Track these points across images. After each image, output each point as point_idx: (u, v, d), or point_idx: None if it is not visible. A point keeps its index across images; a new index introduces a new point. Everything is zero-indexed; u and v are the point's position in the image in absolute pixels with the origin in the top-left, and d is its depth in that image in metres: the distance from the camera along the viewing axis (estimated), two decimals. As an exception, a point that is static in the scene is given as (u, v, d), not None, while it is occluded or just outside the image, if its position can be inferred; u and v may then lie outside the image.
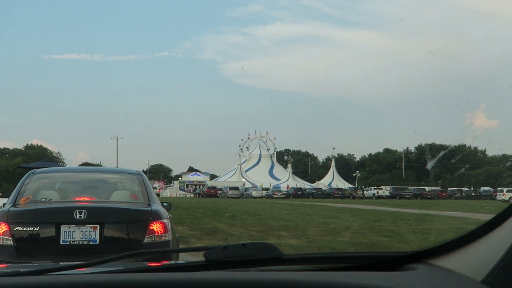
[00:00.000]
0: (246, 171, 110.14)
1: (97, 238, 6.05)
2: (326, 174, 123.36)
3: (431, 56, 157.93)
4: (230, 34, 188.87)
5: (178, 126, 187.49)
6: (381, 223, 21.75)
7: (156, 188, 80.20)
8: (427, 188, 72.86)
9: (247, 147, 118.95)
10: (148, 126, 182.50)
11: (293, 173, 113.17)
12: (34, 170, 7.51)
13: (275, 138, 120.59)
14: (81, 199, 7.01)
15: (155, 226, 6.22)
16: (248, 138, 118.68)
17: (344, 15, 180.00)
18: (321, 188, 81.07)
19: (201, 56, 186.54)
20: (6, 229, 5.93)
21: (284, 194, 71.69)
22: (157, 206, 6.67)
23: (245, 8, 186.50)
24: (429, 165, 65.70)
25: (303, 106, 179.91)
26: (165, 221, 6.37)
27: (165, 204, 7.30)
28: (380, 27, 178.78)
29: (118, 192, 7.34)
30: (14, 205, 6.42)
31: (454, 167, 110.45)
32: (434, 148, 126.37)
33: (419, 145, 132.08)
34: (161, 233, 6.23)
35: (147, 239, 6.15)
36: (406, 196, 68.82)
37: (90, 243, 6.02)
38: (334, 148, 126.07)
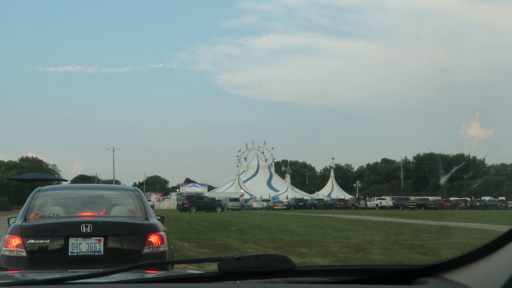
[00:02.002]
0: (244, 182, 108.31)
1: (102, 249, 6.56)
2: (324, 184, 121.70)
3: (426, 65, 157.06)
4: (225, 46, 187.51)
5: (174, 137, 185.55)
6: (404, 236, 19.82)
7: (150, 200, 77.41)
8: (430, 198, 71.00)
9: (244, 158, 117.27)
10: (144, 137, 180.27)
11: (291, 183, 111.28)
12: (40, 187, 8.03)
13: (272, 148, 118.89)
14: (85, 214, 7.52)
15: (153, 238, 6.75)
16: (246, 148, 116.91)
17: (338, 26, 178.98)
18: (322, 199, 78.96)
19: (196, 67, 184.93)
20: (19, 242, 6.45)
21: (285, 205, 69.58)
22: (154, 220, 7.18)
23: (239, 19, 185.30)
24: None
25: (300, 117, 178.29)
26: (162, 233, 6.93)
27: (158, 217, 7.61)
28: (375, 37, 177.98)
29: (118, 207, 7.90)
30: (25, 220, 6.90)
31: (454, 176, 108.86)
32: (432, 158, 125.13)
33: (417, 154, 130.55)
34: (158, 245, 6.76)
35: (146, 250, 6.64)
36: (410, 206, 66.99)
37: (95, 254, 6.53)
38: (333, 158, 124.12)
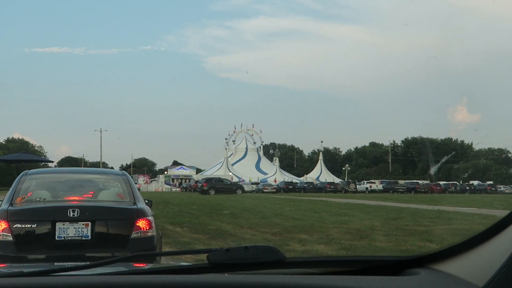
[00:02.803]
0: (233, 164, 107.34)
1: (89, 234, 6.49)
2: (312, 167, 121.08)
3: (415, 50, 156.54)
4: (213, 28, 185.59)
5: (162, 120, 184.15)
6: (404, 221, 19.06)
7: (136, 183, 75.83)
8: (420, 182, 70.70)
9: (233, 141, 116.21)
10: (131, 120, 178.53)
11: (279, 166, 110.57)
12: (27, 171, 7.90)
13: (261, 131, 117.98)
14: (73, 198, 7.42)
15: (141, 223, 6.67)
16: (234, 131, 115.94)
17: (327, 9, 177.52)
18: (312, 182, 78.25)
19: (185, 50, 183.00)
20: (6, 226, 6.35)
21: (274, 188, 68.77)
22: (142, 205, 7.09)
23: (228, 1, 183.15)
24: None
25: (288, 100, 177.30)
26: (150, 218, 6.83)
27: (146, 201, 7.51)
28: (364, 21, 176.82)
29: (105, 191, 7.80)
30: (11, 204, 6.81)
31: (439, 160, 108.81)
32: (420, 142, 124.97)
33: (405, 138, 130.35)
34: (146, 229, 6.67)
35: (134, 235, 6.57)
36: (400, 190, 66.72)
37: (83, 238, 6.45)
38: (322, 142, 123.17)
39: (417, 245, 12.31)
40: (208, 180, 56.91)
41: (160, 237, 7.37)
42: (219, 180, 58.30)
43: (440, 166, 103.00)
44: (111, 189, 7.97)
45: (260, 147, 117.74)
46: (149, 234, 6.70)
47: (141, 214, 6.79)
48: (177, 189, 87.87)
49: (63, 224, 6.44)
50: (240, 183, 61.62)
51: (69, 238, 6.43)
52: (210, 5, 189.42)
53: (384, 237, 14.20)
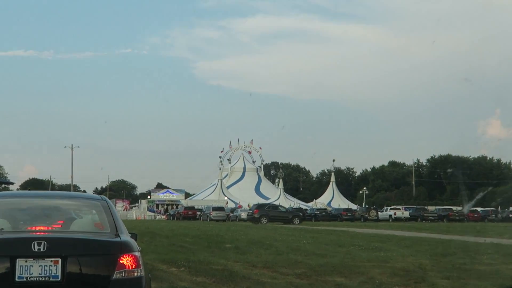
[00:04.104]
0: (228, 187, 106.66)
1: (59, 274, 6.19)
2: (322, 191, 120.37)
3: (440, 55, 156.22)
4: (204, 28, 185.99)
5: (144, 135, 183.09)
6: (457, 258, 17.65)
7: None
8: (453, 208, 69.66)
9: (228, 159, 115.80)
10: (107, 135, 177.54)
11: (283, 190, 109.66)
12: None
13: (260, 148, 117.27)
14: (38, 228, 7.14)
15: (125, 260, 6.38)
16: (230, 148, 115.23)
17: (336, 7, 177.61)
18: (325, 209, 77.30)
19: (170, 53, 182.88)
20: None
21: (280, 216, 67.67)
22: (126, 237, 6.84)
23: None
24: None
25: (292, 112, 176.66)
26: (136, 254, 6.54)
27: (130, 234, 7.22)
28: (380, 21, 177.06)
29: (80, 220, 7.55)
30: None
31: (474, 182, 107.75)
32: (450, 161, 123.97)
33: (431, 157, 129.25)
34: (132, 268, 6.39)
35: (116, 275, 6.29)
36: (430, 218, 65.79)
37: (51, 279, 6.17)
38: (333, 161, 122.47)
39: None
40: (260, 207, 57.28)
41: (149, 279, 7.03)
42: (273, 206, 58.83)
43: (473, 187, 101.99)
44: (86, 217, 7.66)
45: (260, 166, 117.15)
46: (136, 274, 6.40)
47: (125, 248, 6.46)
48: (163, 216, 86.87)
49: (26, 261, 6.11)
50: (297, 210, 61.90)
51: (32, 278, 6.10)
52: (200, 1, 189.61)
53: (445, 280, 12.75)
